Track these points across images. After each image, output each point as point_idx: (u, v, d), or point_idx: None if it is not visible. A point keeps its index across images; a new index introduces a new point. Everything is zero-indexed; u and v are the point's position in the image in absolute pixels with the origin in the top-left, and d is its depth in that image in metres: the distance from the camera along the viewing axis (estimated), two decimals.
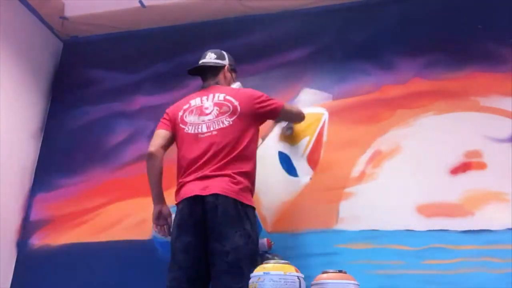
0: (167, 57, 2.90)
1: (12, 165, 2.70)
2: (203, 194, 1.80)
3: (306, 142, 2.43)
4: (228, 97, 2.02)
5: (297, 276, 1.42)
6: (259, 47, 2.76)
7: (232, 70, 2.24)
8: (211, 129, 1.95)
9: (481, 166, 2.16)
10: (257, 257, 1.80)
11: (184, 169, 1.94)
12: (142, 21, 2.99)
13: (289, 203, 2.31)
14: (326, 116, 2.47)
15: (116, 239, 2.51)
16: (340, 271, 1.51)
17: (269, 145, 2.48)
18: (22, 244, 2.66)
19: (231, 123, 1.94)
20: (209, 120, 1.97)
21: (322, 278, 1.51)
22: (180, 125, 2.03)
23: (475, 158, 2.18)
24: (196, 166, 1.89)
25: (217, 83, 2.14)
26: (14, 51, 2.78)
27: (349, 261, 2.08)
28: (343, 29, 2.66)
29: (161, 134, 2.07)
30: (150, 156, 2.02)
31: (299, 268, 1.47)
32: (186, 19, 2.94)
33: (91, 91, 2.98)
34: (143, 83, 2.88)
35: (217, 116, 1.97)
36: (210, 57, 2.20)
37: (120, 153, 2.73)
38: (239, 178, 1.85)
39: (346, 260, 2.09)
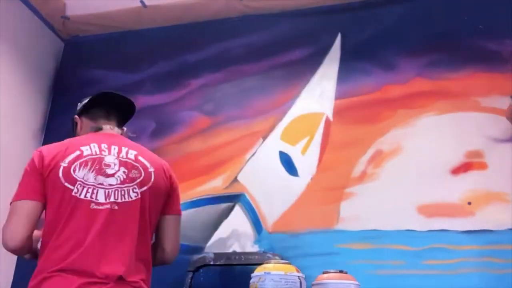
0: (168, 57, 2.90)
1: (13, 165, 2.70)
2: None
3: (305, 142, 2.43)
4: (140, 158, 1.46)
5: (298, 276, 1.42)
6: (259, 47, 2.75)
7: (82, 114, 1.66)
8: (111, 199, 1.35)
9: (482, 166, 2.16)
10: None
11: (58, 250, 1.31)
12: (143, 20, 2.99)
13: (290, 203, 2.31)
14: (326, 116, 2.47)
15: None
16: (340, 271, 1.51)
17: (270, 145, 2.48)
18: None
19: (138, 196, 1.39)
20: (110, 186, 1.36)
21: (323, 278, 1.51)
22: (63, 181, 1.34)
23: (476, 158, 2.18)
24: (81, 251, 1.27)
25: (122, 131, 1.59)
26: (15, 50, 2.78)
27: (350, 261, 2.07)
28: (344, 29, 2.66)
29: (26, 214, 1.38)
30: (15, 253, 1.44)
31: (299, 268, 1.47)
32: (187, 18, 2.94)
33: (92, 90, 2.92)
34: (144, 83, 2.88)
35: (122, 182, 1.38)
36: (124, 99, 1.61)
37: None
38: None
39: (347, 260, 2.09)
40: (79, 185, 1.34)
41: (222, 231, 2.37)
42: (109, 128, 1.55)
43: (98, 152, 1.40)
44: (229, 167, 2.48)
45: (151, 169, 1.46)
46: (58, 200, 1.34)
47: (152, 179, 1.44)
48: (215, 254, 2.17)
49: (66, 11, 2.99)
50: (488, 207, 2.08)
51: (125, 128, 1.64)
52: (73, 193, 1.33)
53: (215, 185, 2.47)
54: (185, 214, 2.44)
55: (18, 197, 1.37)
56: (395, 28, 2.57)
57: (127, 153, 1.45)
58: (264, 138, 2.48)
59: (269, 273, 1.40)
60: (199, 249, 2.35)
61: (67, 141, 1.45)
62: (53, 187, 1.34)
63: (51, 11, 2.95)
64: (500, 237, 2.00)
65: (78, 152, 1.39)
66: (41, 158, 1.38)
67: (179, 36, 2.96)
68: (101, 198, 1.34)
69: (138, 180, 1.40)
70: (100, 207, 1.33)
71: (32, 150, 2.85)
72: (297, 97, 2.57)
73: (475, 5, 2.49)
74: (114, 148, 1.44)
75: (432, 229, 2.10)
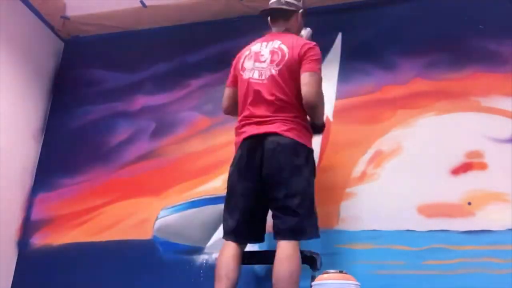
0: (168, 57, 2.90)
1: (13, 165, 2.70)
2: (260, 132, 1.83)
3: None
4: (282, 46, 1.96)
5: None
6: None
7: (304, 15, 2.14)
8: (262, 77, 1.92)
9: (482, 166, 2.16)
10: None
11: (240, 112, 1.96)
12: (143, 21, 2.99)
13: None
14: (326, 116, 2.47)
15: (117, 239, 2.51)
16: (341, 272, 1.51)
17: None
18: (23, 243, 2.67)
19: (277, 72, 1.91)
20: (262, 67, 1.94)
21: (323, 278, 1.51)
22: (240, 71, 2.02)
23: (476, 159, 2.18)
24: (248, 112, 1.91)
25: (286, 29, 2.06)
26: (15, 50, 2.78)
27: (350, 261, 2.07)
28: (344, 29, 2.66)
29: (226, 96, 2.12)
30: (225, 113, 2.17)
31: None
32: (187, 19, 2.94)
33: (92, 91, 2.98)
34: (144, 83, 2.88)
35: (269, 64, 1.93)
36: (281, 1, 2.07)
37: (120, 153, 2.73)
38: (292, 122, 1.86)
39: (347, 260, 2.09)
40: (245, 71, 2.00)
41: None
42: (275, 31, 2.08)
43: (259, 48, 2.04)
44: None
45: (287, 50, 1.93)
46: (238, 82, 2.04)
47: (287, 57, 1.92)
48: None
49: (66, 11, 2.99)
50: (488, 207, 2.08)
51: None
52: (242, 77, 2.00)
53: (215, 185, 2.47)
54: (185, 214, 2.45)
55: (226, 85, 2.15)
56: (395, 28, 2.58)
57: (274, 44, 1.98)
58: None
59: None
60: (199, 249, 2.35)
61: (251, 43, 2.12)
62: (238, 76, 2.05)
63: (51, 11, 2.95)
64: (500, 237, 2.00)
65: (247, 51, 2.07)
66: (234, 61, 2.12)
67: (179, 36, 2.96)
68: (255, 76, 1.96)
69: (278, 60, 1.94)
70: (256, 81, 1.95)
71: (32, 150, 2.87)
72: None
73: (475, 5, 2.49)
74: (271, 43, 2.01)
75: (432, 229, 2.10)
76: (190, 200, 2.48)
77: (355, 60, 2.56)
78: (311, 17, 2.75)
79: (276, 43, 1.98)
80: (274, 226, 1.79)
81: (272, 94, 1.88)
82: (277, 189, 1.78)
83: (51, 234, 2.63)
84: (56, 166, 2.82)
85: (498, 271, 1.94)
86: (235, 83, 2.07)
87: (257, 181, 1.82)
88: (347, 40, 2.63)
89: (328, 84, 2.54)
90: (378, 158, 2.30)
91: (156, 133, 2.72)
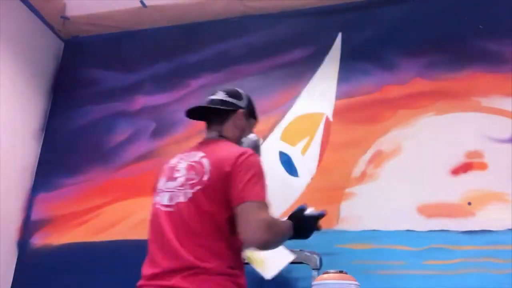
0: (168, 57, 2.90)
1: (13, 165, 2.70)
2: None
3: (305, 143, 2.43)
4: (203, 160, 1.39)
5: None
6: (259, 47, 2.75)
7: (250, 116, 1.58)
8: (173, 202, 1.36)
9: (482, 166, 2.16)
10: None
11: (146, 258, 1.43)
12: (143, 21, 2.99)
13: (290, 203, 2.31)
14: (326, 116, 2.47)
15: (117, 239, 2.51)
16: (340, 272, 1.51)
17: (270, 145, 2.47)
18: (23, 243, 2.66)
19: (190, 196, 1.34)
20: (174, 189, 1.38)
21: (323, 278, 1.51)
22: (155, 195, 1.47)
23: (476, 159, 2.18)
24: (154, 259, 1.39)
25: (220, 135, 1.50)
26: (15, 50, 2.78)
27: (350, 261, 2.07)
28: (344, 29, 2.66)
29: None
30: None
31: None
32: (187, 19, 2.94)
33: (92, 91, 2.98)
34: (144, 83, 2.88)
35: (182, 184, 1.37)
36: (218, 95, 1.53)
37: (120, 153, 2.73)
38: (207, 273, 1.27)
39: (347, 260, 2.09)
40: (157, 193, 1.46)
41: None
42: (207, 137, 1.55)
43: (176, 161, 1.49)
44: None
45: (209, 168, 1.37)
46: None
47: (207, 176, 1.36)
48: None
49: (66, 11, 2.99)
50: (488, 207, 2.08)
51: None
52: (153, 202, 1.45)
53: None
54: None
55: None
56: (395, 28, 2.57)
57: (195, 156, 1.44)
58: (264, 138, 2.48)
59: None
60: None
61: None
62: None
63: (51, 11, 2.95)
64: (500, 237, 2.00)
65: (165, 165, 1.51)
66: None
67: (179, 36, 2.96)
68: (165, 201, 1.40)
69: (194, 180, 1.37)
70: (165, 209, 1.39)
71: (32, 150, 2.87)
72: (297, 97, 2.57)
73: (475, 5, 2.49)
74: (192, 154, 1.46)
75: (432, 229, 2.10)
76: None
77: (355, 60, 2.56)
78: (311, 17, 2.77)
79: (196, 156, 1.41)
80: None
81: (181, 231, 1.31)
82: None
83: (51, 234, 2.63)
84: (56, 166, 2.82)
85: (498, 271, 1.94)
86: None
87: None
88: (347, 40, 2.63)
89: (328, 84, 2.55)
90: (378, 158, 2.30)
91: (156, 133, 2.72)
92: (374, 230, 2.15)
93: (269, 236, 1.26)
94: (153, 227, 1.42)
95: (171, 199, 1.37)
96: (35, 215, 2.72)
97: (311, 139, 2.44)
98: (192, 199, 1.33)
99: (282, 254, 1.94)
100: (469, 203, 2.10)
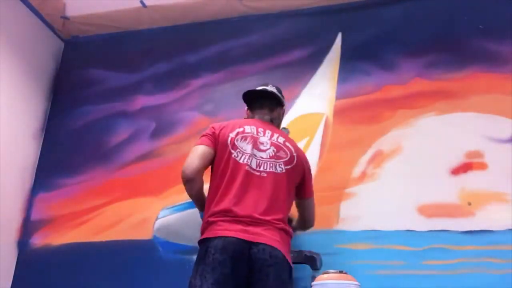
0: (168, 57, 2.90)
1: (13, 165, 2.70)
2: (252, 240, 1.56)
3: (305, 142, 2.43)
4: (288, 144, 1.81)
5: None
6: (259, 47, 2.75)
7: (283, 115, 2.04)
8: (261, 169, 1.70)
9: (482, 166, 2.16)
10: None
11: (217, 197, 1.66)
12: (143, 21, 2.99)
13: None
14: (326, 116, 2.47)
15: (116, 239, 2.51)
16: (340, 272, 1.51)
17: None
18: (22, 243, 2.66)
19: (284, 171, 1.73)
20: (262, 158, 1.73)
21: (323, 278, 1.51)
22: (229, 147, 1.74)
23: (476, 159, 2.18)
24: (232, 204, 1.62)
25: (271, 120, 1.92)
26: (15, 50, 2.78)
27: (350, 262, 2.07)
28: (344, 29, 2.66)
29: (201, 153, 1.74)
30: (187, 182, 1.71)
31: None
32: (187, 19, 2.94)
33: (91, 91, 2.98)
34: (144, 83, 2.88)
35: (271, 157, 1.73)
36: (272, 88, 1.94)
37: (120, 153, 2.73)
38: (280, 231, 1.63)
39: (347, 260, 2.09)
40: (238, 152, 1.72)
41: None
42: (262, 117, 1.91)
43: (255, 133, 1.79)
44: None
45: (294, 154, 1.80)
46: (222, 159, 1.72)
47: (295, 162, 1.77)
48: None
49: (66, 11, 2.99)
50: (488, 207, 2.08)
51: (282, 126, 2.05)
52: (232, 156, 1.71)
53: None
54: (185, 214, 2.45)
55: (197, 144, 1.78)
56: (395, 28, 2.58)
57: (277, 137, 1.81)
58: None
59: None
60: None
61: (234, 120, 1.87)
62: (221, 148, 1.74)
63: (51, 11, 2.95)
64: (500, 237, 2.00)
65: (241, 129, 1.78)
66: (216, 127, 1.81)
67: (179, 36, 2.96)
68: (253, 165, 1.70)
69: (285, 159, 1.76)
70: (254, 173, 1.69)
71: (32, 150, 2.87)
72: (297, 97, 2.57)
73: (475, 5, 2.49)
74: (268, 132, 1.81)
75: (432, 229, 2.10)
76: (190, 200, 2.46)
77: (355, 60, 2.56)
78: (311, 17, 2.77)
79: (279, 138, 1.81)
80: None
81: (270, 193, 1.67)
82: None
83: (51, 234, 2.63)
84: (56, 166, 2.82)
85: (498, 271, 1.94)
86: (215, 147, 1.77)
87: None
88: (347, 40, 2.63)
89: (328, 84, 2.55)
90: (378, 158, 2.30)
91: (156, 133, 2.72)
92: (374, 230, 2.15)
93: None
94: (233, 178, 1.68)
95: (259, 165, 1.71)
96: (35, 215, 2.72)
97: (311, 139, 2.44)
98: (286, 174, 1.73)
99: None
100: (469, 203, 2.10)
